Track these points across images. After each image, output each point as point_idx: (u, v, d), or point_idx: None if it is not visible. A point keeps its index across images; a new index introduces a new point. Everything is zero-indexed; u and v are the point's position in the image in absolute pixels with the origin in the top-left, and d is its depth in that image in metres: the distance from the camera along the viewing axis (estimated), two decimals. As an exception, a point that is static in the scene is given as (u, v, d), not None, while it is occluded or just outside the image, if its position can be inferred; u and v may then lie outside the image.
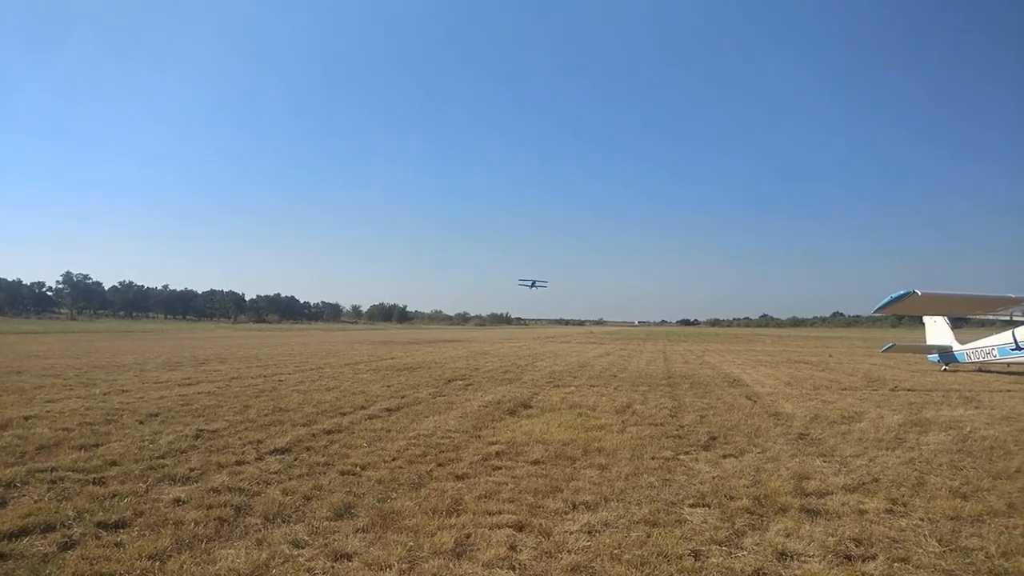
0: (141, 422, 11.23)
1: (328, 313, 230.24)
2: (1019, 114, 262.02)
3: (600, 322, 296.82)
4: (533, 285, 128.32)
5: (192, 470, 7.94)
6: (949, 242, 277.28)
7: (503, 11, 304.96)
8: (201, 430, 10.47)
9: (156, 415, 11.94)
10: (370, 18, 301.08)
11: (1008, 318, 22.86)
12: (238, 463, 8.38)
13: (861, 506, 6.90)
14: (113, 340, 46.98)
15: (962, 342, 26.32)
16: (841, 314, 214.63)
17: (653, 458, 9.07)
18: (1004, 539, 5.96)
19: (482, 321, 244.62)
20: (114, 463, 8.19)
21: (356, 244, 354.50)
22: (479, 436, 10.54)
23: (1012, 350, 22.90)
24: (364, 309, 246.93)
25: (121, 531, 5.84)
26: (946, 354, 26.69)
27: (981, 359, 24.89)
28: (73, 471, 7.77)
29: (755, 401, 15.58)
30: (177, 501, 6.71)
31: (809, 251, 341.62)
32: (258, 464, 8.36)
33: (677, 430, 11.36)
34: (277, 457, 8.78)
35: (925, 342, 28.42)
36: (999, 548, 5.71)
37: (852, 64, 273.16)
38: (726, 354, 39.47)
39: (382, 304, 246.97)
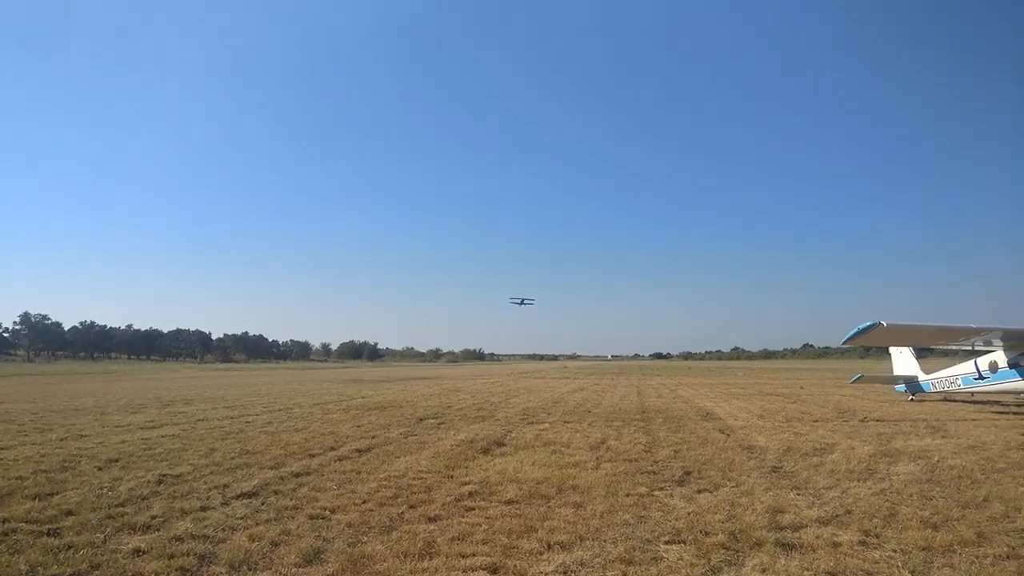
0: (100, 468, 10.86)
1: (297, 352, 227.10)
2: (999, 141, 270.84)
3: (574, 356, 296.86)
4: (522, 303, 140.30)
5: (154, 518, 7.67)
6: (921, 272, 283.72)
7: (455, 60, 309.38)
8: (164, 475, 10.16)
9: (116, 460, 11.58)
10: (327, 59, 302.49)
11: (970, 348, 23.32)
12: (203, 509, 8.13)
13: (835, 539, 6.88)
14: (72, 382, 45.74)
15: (927, 372, 26.76)
16: (811, 346, 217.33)
17: (628, 495, 8.99)
18: (975, 569, 5.99)
19: (455, 357, 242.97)
20: (70, 512, 7.89)
21: (324, 281, 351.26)
22: (452, 476, 10.37)
23: (975, 379, 23.33)
24: (334, 347, 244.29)
25: (77, 584, 5.59)
26: (912, 384, 27.10)
27: (946, 388, 25.30)
28: (26, 522, 7.46)
29: (728, 434, 15.60)
30: (137, 551, 6.46)
31: (778, 283, 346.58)
32: (224, 509, 8.11)
33: (652, 465, 11.30)
34: (244, 502, 8.53)
35: (892, 372, 28.85)
36: (973, 579, 5.72)
37: (829, 93, 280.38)
38: (699, 387, 39.63)
39: (352, 342, 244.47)
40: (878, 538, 6.95)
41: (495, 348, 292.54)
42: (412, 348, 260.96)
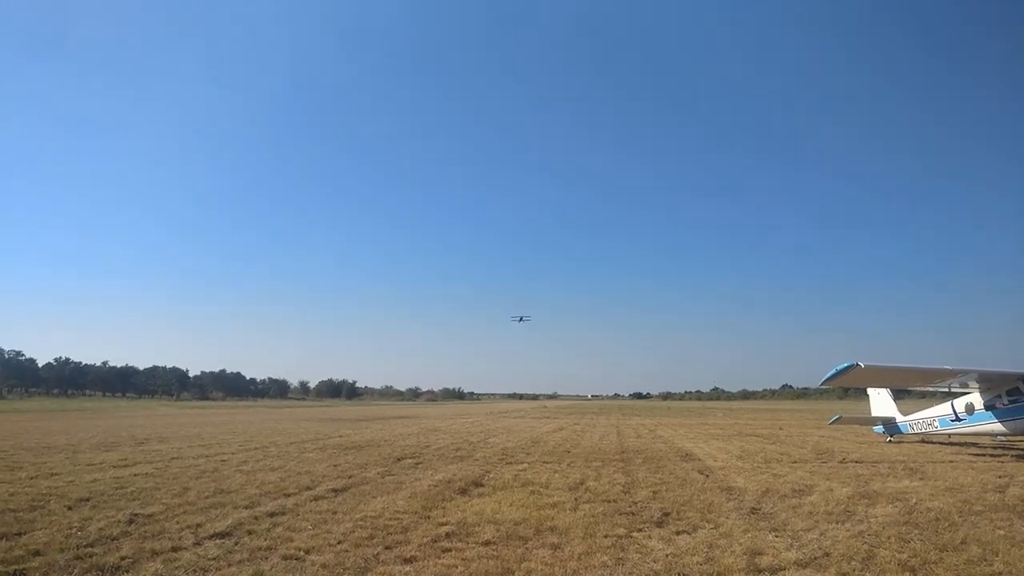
0: (70, 508, 10.63)
1: (275, 390, 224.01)
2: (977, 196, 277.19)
3: (554, 396, 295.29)
4: (521, 320, 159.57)
5: (123, 559, 7.50)
6: (894, 319, 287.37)
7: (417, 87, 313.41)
8: (135, 515, 9.96)
9: (87, 500, 11.33)
10: (310, 89, 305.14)
11: (947, 389, 23.58)
12: (174, 549, 7.97)
13: (813, 582, 6.87)
14: (44, 419, 44.79)
15: (905, 414, 26.97)
16: (790, 386, 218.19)
17: (606, 536, 8.93)
18: (953, 612, 5.99)
19: (434, 396, 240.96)
20: (38, 553, 7.71)
21: (303, 319, 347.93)
22: (429, 517, 10.25)
23: (952, 421, 23.54)
24: (312, 385, 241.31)
25: (41, 628, 5.44)
26: (890, 425, 27.27)
27: (923, 430, 25.49)
28: (-8, 562, 7.27)
29: (708, 475, 15.57)
30: (105, 593, 6.31)
31: (758, 326, 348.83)
32: (196, 550, 7.95)
33: (630, 506, 11.24)
34: (217, 542, 8.37)
35: (870, 414, 29.04)
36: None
37: (817, 135, 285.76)
38: (678, 428, 39.57)
39: (331, 380, 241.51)
40: (855, 580, 6.95)
41: (475, 387, 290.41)
42: (391, 387, 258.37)
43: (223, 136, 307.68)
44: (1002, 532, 9.31)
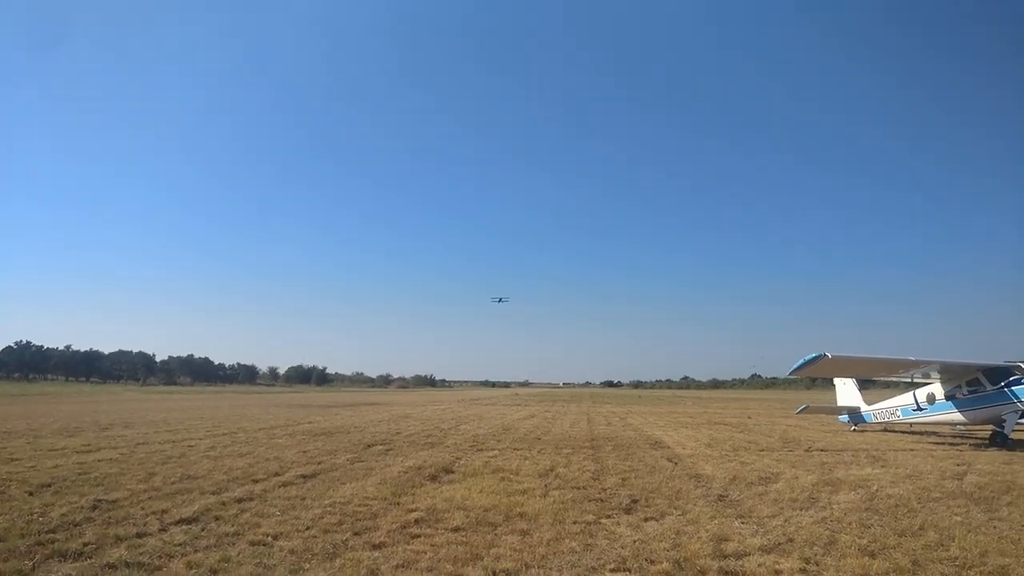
0: (31, 493, 10.44)
1: (244, 375, 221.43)
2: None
3: (526, 383, 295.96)
4: (500, 301, 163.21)
5: (86, 544, 7.39)
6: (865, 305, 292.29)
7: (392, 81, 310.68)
8: (99, 500, 9.81)
9: (48, 485, 11.13)
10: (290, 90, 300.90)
11: (910, 380, 24.11)
12: (139, 535, 7.87)
13: (777, 567, 7.00)
14: (4, 404, 43.87)
15: (869, 403, 27.53)
16: (759, 376, 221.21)
17: (575, 522, 9.00)
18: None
19: (405, 383, 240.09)
20: (-2, 539, 7.55)
21: (273, 304, 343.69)
22: (398, 503, 10.24)
23: (913, 411, 24.08)
24: (282, 371, 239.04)
25: (0, 614, 5.35)
26: (855, 415, 27.83)
27: (886, 419, 26.05)
28: (-51, 549, 7.11)
29: (676, 463, 15.75)
30: (66, 579, 6.21)
31: (729, 315, 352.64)
32: (161, 536, 7.86)
33: (600, 493, 11.34)
34: (183, 528, 8.28)
35: (836, 403, 29.60)
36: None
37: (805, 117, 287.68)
38: (648, 416, 39.96)
39: (300, 366, 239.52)
40: (818, 566, 7.09)
41: (447, 375, 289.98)
42: (362, 373, 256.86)
43: (196, 131, 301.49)
44: (959, 518, 9.56)
